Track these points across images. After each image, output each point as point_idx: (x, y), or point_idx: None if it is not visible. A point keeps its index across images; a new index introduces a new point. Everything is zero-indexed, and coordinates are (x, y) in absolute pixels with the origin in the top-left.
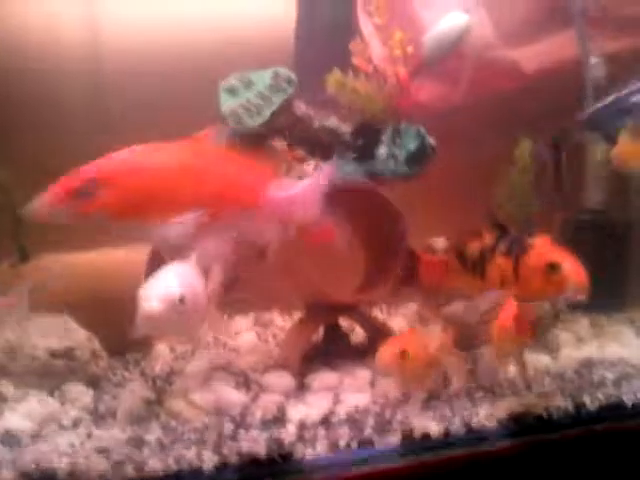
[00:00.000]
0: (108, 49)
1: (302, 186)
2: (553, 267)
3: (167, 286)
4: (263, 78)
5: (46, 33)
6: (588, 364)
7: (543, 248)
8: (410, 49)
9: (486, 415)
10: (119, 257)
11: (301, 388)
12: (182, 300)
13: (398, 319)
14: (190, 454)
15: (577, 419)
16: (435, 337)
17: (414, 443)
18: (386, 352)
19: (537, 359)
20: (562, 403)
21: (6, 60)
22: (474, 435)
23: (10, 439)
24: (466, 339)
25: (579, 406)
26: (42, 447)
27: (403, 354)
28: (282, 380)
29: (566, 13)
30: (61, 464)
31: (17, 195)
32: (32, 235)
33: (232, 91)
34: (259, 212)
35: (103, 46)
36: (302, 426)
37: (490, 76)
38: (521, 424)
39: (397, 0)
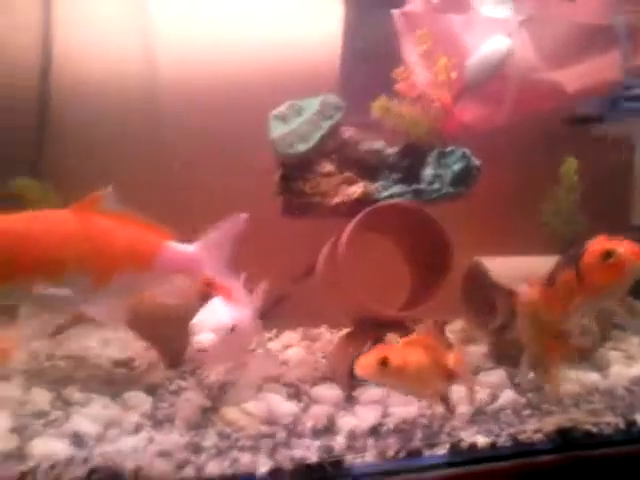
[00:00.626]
0: (162, 78)
1: (200, 244)
2: (609, 254)
3: (219, 317)
4: (312, 105)
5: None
6: (639, 382)
7: (596, 244)
8: (454, 74)
9: (534, 430)
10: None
11: (350, 401)
12: (234, 329)
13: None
14: (245, 459)
15: (628, 436)
16: (440, 348)
17: (461, 454)
18: (365, 359)
19: (586, 377)
20: (612, 420)
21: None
22: (521, 448)
23: (78, 440)
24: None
25: (630, 424)
26: (108, 448)
27: (384, 361)
28: (331, 392)
29: (610, 34)
30: (127, 464)
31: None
32: None
33: (283, 118)
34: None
35: (157, 74)
36: (351, 436)
37: (533, 97)
38: (569, 439)
39: (440, 26)
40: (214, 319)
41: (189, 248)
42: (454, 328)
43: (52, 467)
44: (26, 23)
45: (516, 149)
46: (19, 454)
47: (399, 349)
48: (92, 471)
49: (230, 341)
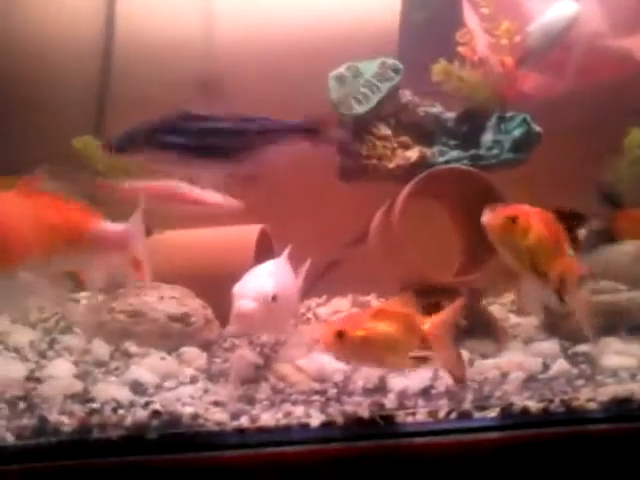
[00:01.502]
0: (219, 43)
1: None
2: None
3: (261, 285)
4: (371, 67)
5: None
6: None
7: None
8: (517, 38)
9: (587, 399)
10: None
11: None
12: (275, 299)
13: (495, 307)
14: (298, 411)
15: None
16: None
17: (512, 417)
18: (325, 330)
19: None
20: None
21: None
22: (574, 415)
23: (138, 387)
24: None
25: None
26: (167, 395)
27: (340, 334)
28: None
29: None
30: (185, 410)
31: None
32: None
33: (341, 80)
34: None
35: (215, 41)
36: (402, 395)
37: (601, 65)
38: (623, 409)
39: None
40: (256, 286)
41: (119, 226)
42: (505, 301)
43: (116, 409)
44: None
45: (579, 118)
46: (84, 397)
47: (364, 319)
48: (153, 414)
49: (270, 310)
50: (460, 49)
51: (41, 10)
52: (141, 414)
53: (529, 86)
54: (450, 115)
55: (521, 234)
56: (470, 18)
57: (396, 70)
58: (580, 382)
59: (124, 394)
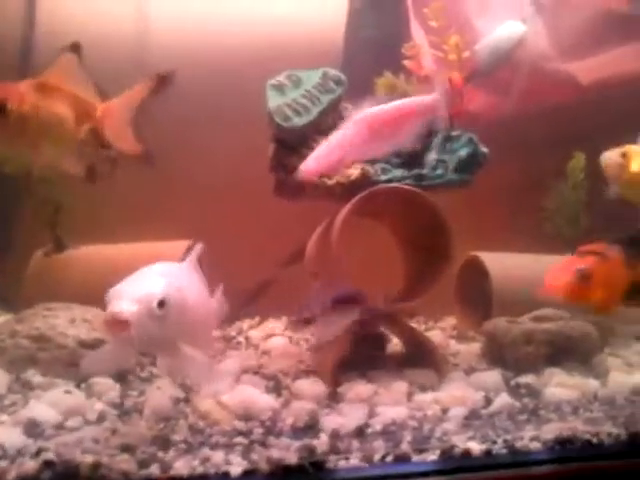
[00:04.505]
0: (157, 47)
1: None
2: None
3: (146, 286)
4: (312, 78)
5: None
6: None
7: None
8: (466, 54)
9: (530, 437)
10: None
11: (334, 397)
12: (163, 305)
13: (436, 332)
14: (217, 457)
15: (631, 448)
16: None
17: (453, 461)
18: None
19: (584, 383)
20: (613, 430)
21: None
22: (517, 457)
23: (34, 428)
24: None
25: (633, 435)
26: (66, 439)
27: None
28: (314, 387)
29: (628, 26)
30: (84, 459)
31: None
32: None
33: (280, 89)
34: None
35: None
36: (335, 436)
37: (545, 87)
38: (568, 449)
39: (452, 7)
40: (139, 287)
41: None
42: (445, 325)
43: None
44: None
45: (523, 141)
46: None
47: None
48: (45, 465)
49: (157, 320)
50: (406, 63)
51: None
52: (30, 466)
53: (475, 105)
54: None
55: None
56: (417, 32)
57: (338, 82)
58: (523, 417)
59: (14, 438)
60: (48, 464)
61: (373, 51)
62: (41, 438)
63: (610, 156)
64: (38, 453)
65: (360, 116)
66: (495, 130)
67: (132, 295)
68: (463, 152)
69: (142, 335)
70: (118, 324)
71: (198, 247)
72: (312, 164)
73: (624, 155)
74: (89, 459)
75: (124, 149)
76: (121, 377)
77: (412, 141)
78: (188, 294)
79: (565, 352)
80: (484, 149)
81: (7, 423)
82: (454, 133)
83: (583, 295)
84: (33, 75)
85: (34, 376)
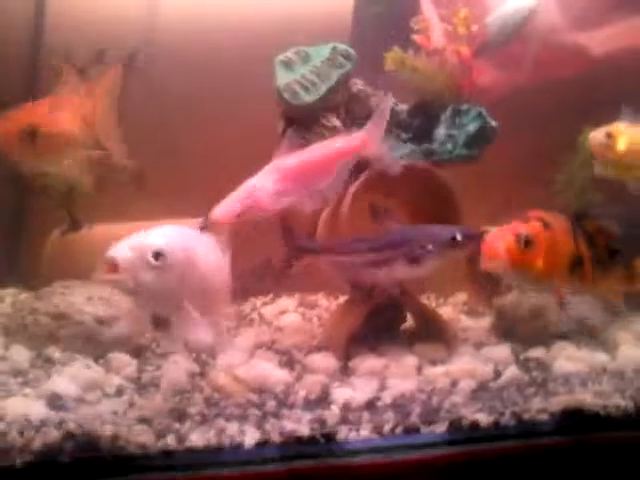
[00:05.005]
0: (166, 21)
1: None
2: None
3: (145, 237)
4: (321, 53)
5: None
6: None
7: None
8: (475, 28)
9: (538, 409)
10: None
11: (345, 371)
12: (159, 257)
13: (447, 308)
14: (232, 429)
15: (638, 420)
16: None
17: (461, 432)
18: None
19: (593, 356)
20: (621, 403)
21: None
22: (524, 428)
23: (56, 401)
24: None
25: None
26: (86, 411)
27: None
28: (326, 361)
29: None
30: (104, 431)
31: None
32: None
33: (288, 65)
34: None
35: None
36: (346, 408)
37: (556, 60)
38: (576, 421)
39: None
40: (138, 237)
41: None
42: (457, 300)
43: (23, 430)
44: None
45: (535, 114)
46: None
47: None
48: (66, 436)
49: (153, 270)
50: (415, 37)
51: None
52: (53, 435)
53: (485, 79)
54: (403, 107)
55: None
56: (427, 5)
57: (348, 57)
58: (532, 390)
59: (38, 410)
60: (70, 435)
61: (382, 25)
62: (63, 410)
63: (595, 135)
64: (60, 424)
65: (273, 166)
66: (505, 103)
67: (129, 243)
68: (472, 126)
69: (136, 283)
70: (111, 267)
71: (203, 219)
72: (222, 212)
73: (609, 135)
74: (108, 431)
75: (113, 147)
76: (138, 353)
77: (339, 184)
78: (197, 257)
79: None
80: (493, 123)
81: (31, 396)
82: (463, 107)
83: (524, 262)
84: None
85: (54, 352)
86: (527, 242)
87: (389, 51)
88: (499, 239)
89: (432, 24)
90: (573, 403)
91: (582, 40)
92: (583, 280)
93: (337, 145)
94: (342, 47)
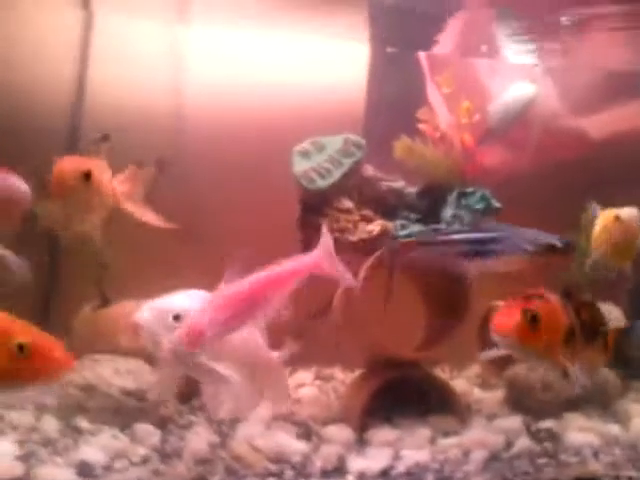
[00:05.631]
0: (189, 113)
1: None
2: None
3: (169, 301)
4: (334, 143)
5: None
6: None
7: None
8: (477, 117)
9: (550, 479)
10: None
11: (361, 442)
12: (178, 319)
13: (460, 380)
14: None
15: None
16: None
17: None
18: None
19: (606, 428)
20: (634, 475)
21: None
22: None
23: (85, 469)
24: None
25: None
26: (115, 478)
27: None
28: (342, 433)
29: (637, 82)
30: None
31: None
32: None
33: (305, 155)
34: None
35: (184, 109)
36: (361, 477)
37: (557, 144)
38: None
39: (465, 70)
40: (163, 301)
41: None
42: (469, 374)
43: None
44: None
45: (537, 195)
46: None
47: None
48: None
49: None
50: (420, 127)
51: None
52: None
53: (489, 162)
54: (412, 190)
55: None
56: (434, 96)
57: (359, 146)
58: (543, 461)
59: (69, 478)
60: None
61: (392, 115)
62: (91, 478)
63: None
64: None
65: (215, 296)
66: (510, 185)
67: (151, 306)
68: (477, 207)
69: (155, 343)
70: (132, 328)
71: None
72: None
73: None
74: None
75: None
76: (162, 424)
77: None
78: (220, 320)
79: (585, 398)
80: (497, 204)
81: (61, 464)
82: (468, 190)
83: (531, 337)
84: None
85: (82, 422)
86: (535, 319)
87: (398, 140)
88: (508, 316)
89: (438, 114)
90: (585, 473)
91: (582, 124)
92: (574, 351)
93: (292, 265)
94: (354, 138)
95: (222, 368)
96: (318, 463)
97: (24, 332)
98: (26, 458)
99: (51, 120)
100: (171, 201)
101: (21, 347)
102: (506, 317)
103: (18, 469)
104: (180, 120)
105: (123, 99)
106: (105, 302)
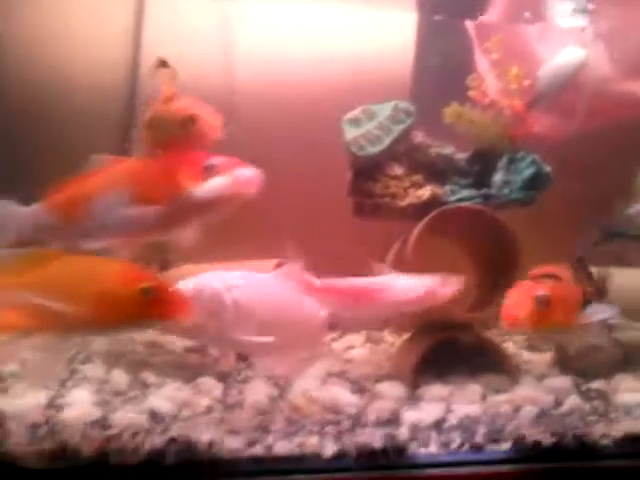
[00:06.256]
0: (241, 82)
1: None
2: None
3: (211, 276)
4: (384, 110)
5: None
6: None
7: None
8: (526, 82)
9: (600, 434)
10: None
11: (413, 397)
12: (208, 296)
13: (509, 344)
14: (312, 441)
15: None
16: None
17: (525, 450)
18: None
19: None
20: None
21: None
22: (586, 450)
23: (155, 416)
24: None
25: None
26: (183, 424)
27: None
28: (394, 389)
29: None
30: (201, 438)
31: None
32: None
33: (355, 122)
34: None
35: (236, 78)
36: (415, 428)
37: (608, 108)
38: (637, 446)
39: (514, 36)
40: (210, 276)
41: None
42: (518, 338)
43: (134, 435)
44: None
45: (590, 159)
46: (103, 424)
47: None
48: (170, 441)
49: (210, 306)
50: (470, 93)
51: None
52: (158, 441)
53: (539, 128)
54: (462, 156)
55: None
56: (481, 63)
57: (408, 113)
58: (593, 418)
59: (142, 422)
60: (173, 440)
61: (439, 82)
62: (163, 423)
63: None
64: (163, 432)
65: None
66: (560, 150)
67: (186, 283)
68: (527, 172)
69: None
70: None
71: (292, 263)
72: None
73: None
74: (205, 439)
75: None
76: (222, 378)
77: None
78: (253, 297)
79: (635, 360)
80: (547, 169)
81: (133, 412)
82: (518, 155)
83: (545, 320)
84: None
85: (149, 376)
86: (545, 302)
87: (447, 106)
88: (518, 305)
89: (486, 80)
90: (636, 429)
91: (633, 88)
92: None
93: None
94: (403, 104)
95: (260, 338)
96: (372, 415)
97: (148, 278)
98: (102, 405)
99: (107, 102)
100: None
101: (146, 290)
102: (518, 305)
103: (97, 413)
104: (231, 95)
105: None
106: (165, 265)
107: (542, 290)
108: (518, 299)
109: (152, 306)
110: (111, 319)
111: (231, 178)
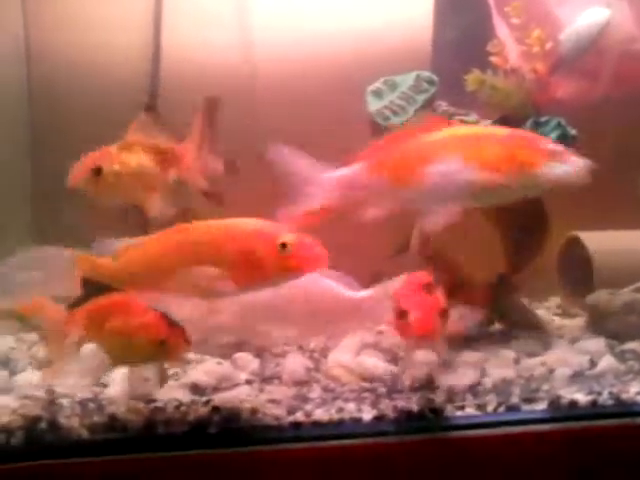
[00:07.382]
0: (260, 58)
1: None
2: None
3: None
4: (406, 80)
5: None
6: None
7: None
8: (549, 45)
9: (636, 392)
10: None
11: (447, 364)
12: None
13: (541, 311)
14: (350, 407)
15: None
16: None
17: (561, 409)
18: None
19: None
20: None
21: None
22: (623, 407)
23: (197, 389)
24: None
25: None
26: (225, 394)
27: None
28: (428, 356)
29: None
30: (244, 406)
31: None
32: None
33: (378, 94)
34: None
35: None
36: (450, 391)
37: (634, 70)
38: None
39: (533, 1)
40: None
41: None
42: (550, 305)
43: (178, 406)
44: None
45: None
46: (147, 399)
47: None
48: (213, 410)
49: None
50: (492, 59)
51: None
52: (202, 410)
53: (562, 92)
54: (486, 122)
55: None
56: (500, 29)
57: (431, 82)
58: (628, 377)
59: (185, 394)
60: (216, 409)
61: (460, 50)
62: (205, 394)
63: None
64: (206, 403)
65: None
66: (585, 114)
67: None
68: (553, 135)
69: None
70: None
71: None
72: None
73: None
74: (247, 407)
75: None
76: (259, 353)
77: None
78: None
79: None
80: (573, 131)
81: (175, 386)
82: (543, 119)
83: (443, 329)
84: None
85: (189, 353)
86: (446, 314)
87: (469, 73)
88: (427, 321)
89: (507, 46)
90: None
91: None
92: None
93: None
94: (425, 74)
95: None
96: (408, 381)
97: (285, 233)
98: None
99: (128, 87)
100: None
101: (284, 245)
102: (427, 322)
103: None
104: (252, 78)
105: (197, 61)
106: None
107: (442, 303)
108: (425, 315)
109: (291, 260)
110: (253, 277)
111: (571, 167)
